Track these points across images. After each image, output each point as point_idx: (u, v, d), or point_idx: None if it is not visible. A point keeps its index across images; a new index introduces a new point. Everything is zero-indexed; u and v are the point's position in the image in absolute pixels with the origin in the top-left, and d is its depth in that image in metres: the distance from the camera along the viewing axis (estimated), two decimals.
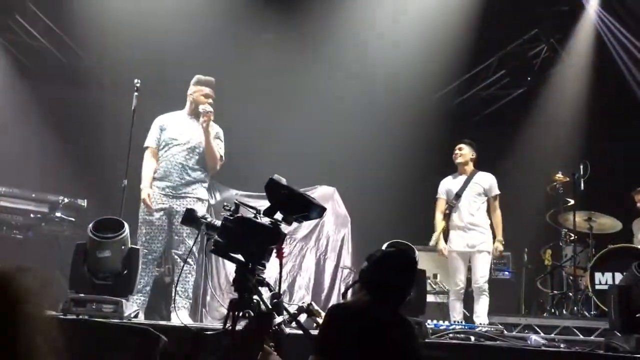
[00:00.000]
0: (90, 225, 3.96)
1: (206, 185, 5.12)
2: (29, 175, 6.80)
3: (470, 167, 5.98)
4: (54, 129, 7.46)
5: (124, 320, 3.76)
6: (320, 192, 6.74)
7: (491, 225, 5.85)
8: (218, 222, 3.14)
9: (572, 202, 6.47)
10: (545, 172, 6.92)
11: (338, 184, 6.93)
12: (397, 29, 7.29)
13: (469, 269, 5.90)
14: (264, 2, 7.04)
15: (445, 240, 5.93)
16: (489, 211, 5.89)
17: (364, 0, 7.16)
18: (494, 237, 5.82)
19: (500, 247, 5.80)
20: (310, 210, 3.14)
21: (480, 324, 5.31)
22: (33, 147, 7.21)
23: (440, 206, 5.98)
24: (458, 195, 5.86)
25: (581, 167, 6.37)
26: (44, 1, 7.28)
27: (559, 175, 6.55)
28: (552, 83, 8.14)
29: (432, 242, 5.88)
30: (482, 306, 5.59)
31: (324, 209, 3.25)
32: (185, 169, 4.92)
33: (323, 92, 7.90)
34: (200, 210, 4.68)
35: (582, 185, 6.33)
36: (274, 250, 3.20)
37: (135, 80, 4.95)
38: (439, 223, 5.90)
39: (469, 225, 5.77)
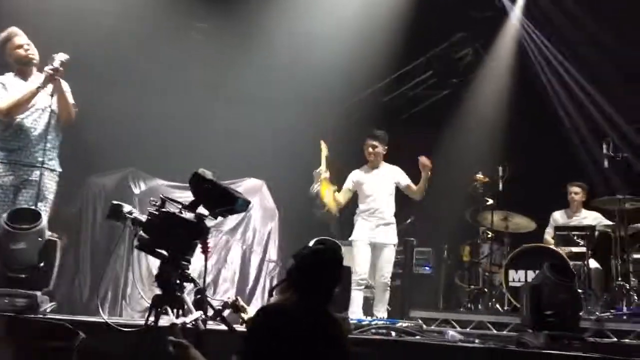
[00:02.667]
0: (4, 215, 3.77)
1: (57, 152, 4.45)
2: None
3: (381, 161, 5.95)
4: None
5: (39, 315, 3.61)
6: (248, 185, 6.70)
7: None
8: (144, 217, 3.08)
9: (490, 201, 6.74)
10: (466, 172, 7.17)
11: (266, 177, 6.92)
12: (329, 24, 7.32)
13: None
14: None
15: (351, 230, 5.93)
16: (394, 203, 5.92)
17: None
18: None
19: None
20: (233, 204, 3.12)
21: (382, 317, 5.46)
22: None
23: (344, 192, 5.95)
24: (368, 188, 5.85)
25: (500, 168, 6.66)
26: None
27: (479, 176, 6.80)
28: (476, 85, 8.45)
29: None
30: (385, 301, 5.73)
31: (248, 203, 3.24)
32: (38, 136, 4.29)
33: (253, 85, 7.85)
34: (51, 185, 4.35)
35: (501, 186, 6.62)
36: (199, 245, 3.17)
37: (62, 57, 4.58)
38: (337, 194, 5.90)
39: (379, 217, 5.79)
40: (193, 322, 2.86)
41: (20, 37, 4.39)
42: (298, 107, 8.18)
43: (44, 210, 4.21)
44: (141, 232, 2.98)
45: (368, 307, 6.07)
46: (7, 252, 3.66)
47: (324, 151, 6.04)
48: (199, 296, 3.22)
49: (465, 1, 7.68)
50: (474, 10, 7.88)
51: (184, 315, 2.99)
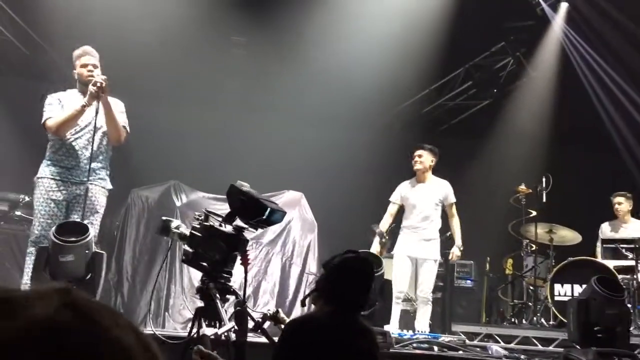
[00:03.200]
0: (53, 228, 3.87)
1: (108, 172, 4.58)
2: None
3: (428, 174, 5.92)
4: (15, 124, 7.29)
5: None
6: (287, 198, 6.72)
7: (442, 233, 5.95)
8: (188, 231, 3.14)
9: (534, 213, 6.61)
10: (508, 183, 7.05)
11: (305, 189, 6.93)
12: (367, 38, 7.34)
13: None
14: (237, 6, 7.02)
15: (393, 244, 5.97)
16: (441, 218, 5.93)
17: (335, 9, 7.19)
18: (449, 245, 5.96)
19: (458, 253, 5.85)
20: (268, 215, 3.13)
21: (424, 331, 5.40)
22: None
23: (391, 210, 5.98)
24: (413, 203, 5.85)
25: (543, 179, 6.52)
26: None
27: (522, 187, 6.67)
28: (517, 95, 8.32)
29: (374, 249, 5.87)
30: (426, 315, 5.67)
31: (283, 214, 3.24)
32: (90, 155, 4.34)
33: (292, 98, 7.91)
34: (102, 200, 4.45)
35: (544, 197, 6.48)
36: (239, 257, 3.19)
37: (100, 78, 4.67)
38: (384, 226, 5.94)
39: (421, 233, 5.76)
40: (225, 334, 2.87)
41: (88, 57, 4.45)
42: (336, 120, 8.20)
43: (95, 223, 4.33)
44: (185, 246, 3.03)
45: (409, 321, 6.01)
46: (56, 264, 3.75)
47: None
48: (239, 308, 3.23)
49: (505, 10, 7.60)
50: (514, 19, 7.78)
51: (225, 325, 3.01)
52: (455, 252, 5.84)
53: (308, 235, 6.72)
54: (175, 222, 3.15)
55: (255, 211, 3.09)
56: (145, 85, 7.15)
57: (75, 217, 4.25)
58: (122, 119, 4.53)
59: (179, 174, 6.84)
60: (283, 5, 7.04)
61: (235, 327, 2.96)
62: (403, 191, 5.98)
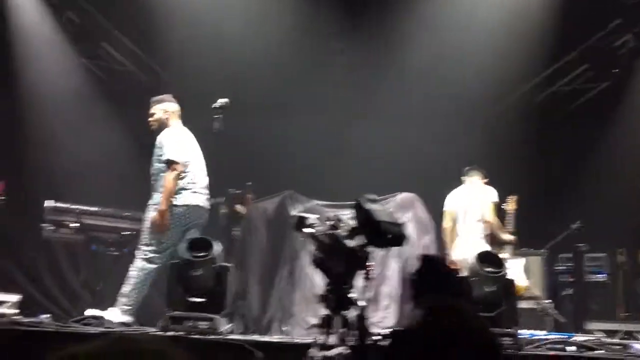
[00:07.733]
0: (183, 245, 4.12)
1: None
2: (124, 195, 7.14)
3: None
4: (143, 150, 7.82)
5: (219, 336, 3.88)
6: (400, 200, 6.66)
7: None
8: (320, 234, 3.17)
9: None
10: (638, 169, 6.56)
11: (419, 189, 6.84)
12: (474, 27, 7.15)
13: None
14: (335, 13, 7.11)
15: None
16: None
17: (435, 3, 7.08)
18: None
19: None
20: (389, 240, 3.00)
21: None
22: (127, 169, 7.57)
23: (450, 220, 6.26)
24: (466, 209, 6.18)
25: None
26: (128, 26, 7.65)
27: None
28: None
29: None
30: None
31: (402, 237, 3.07)
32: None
33: (399, 97, 7.85)
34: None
35: None
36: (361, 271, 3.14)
37: (222, 101, 4.97)
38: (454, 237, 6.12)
39: (476, 238, 6.04)
40: (334, 356, 2.86)
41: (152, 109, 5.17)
42: (448, 116, 8.03)
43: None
44: (315, 250, 3.08)
45: (538, 320, 5.77)
46: (187, 278, 3.98)
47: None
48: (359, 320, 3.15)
49: None
50: None
51: (348, 335, 3.02)
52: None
53: (424, 235, 6.60)
54: (310, 219, 3.17)
55: (375, 234, 2.98)
56: (253, 100, 7.41)
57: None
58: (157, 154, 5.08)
59: (293, 183, 7.01)
60: (380, 7, 7.02)
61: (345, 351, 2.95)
62: (455, 199, 6.37)
